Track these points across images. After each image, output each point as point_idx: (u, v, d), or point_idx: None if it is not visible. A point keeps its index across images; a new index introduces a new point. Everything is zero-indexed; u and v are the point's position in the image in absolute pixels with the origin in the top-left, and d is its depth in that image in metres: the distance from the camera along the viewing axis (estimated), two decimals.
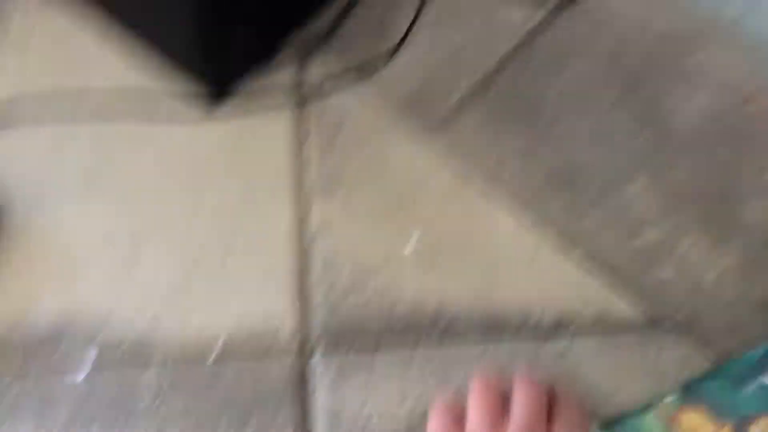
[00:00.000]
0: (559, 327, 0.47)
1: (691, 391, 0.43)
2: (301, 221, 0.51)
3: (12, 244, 0.50)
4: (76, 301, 0.48)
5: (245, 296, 0.49)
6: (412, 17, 0.59)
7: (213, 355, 0.46)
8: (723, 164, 0.53)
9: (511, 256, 0.50)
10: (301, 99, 0.56)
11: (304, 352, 0.47)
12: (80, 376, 0.45)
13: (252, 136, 0.55)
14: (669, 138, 0.54)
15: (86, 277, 0.49)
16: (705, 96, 0.56)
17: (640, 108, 0.56)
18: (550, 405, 0.41)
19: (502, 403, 0.41)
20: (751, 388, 0.42)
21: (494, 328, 0.47)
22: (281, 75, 0.57)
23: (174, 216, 0.52)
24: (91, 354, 0.46)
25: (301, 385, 0.46)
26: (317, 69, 0.58)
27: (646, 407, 0.43)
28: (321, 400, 0.45)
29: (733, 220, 0.50)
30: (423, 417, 0.44)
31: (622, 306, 0.48)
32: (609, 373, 0.46)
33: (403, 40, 0.58)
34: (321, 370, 0.46)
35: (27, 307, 0.48)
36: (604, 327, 0.47)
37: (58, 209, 0.51)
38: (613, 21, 0.60)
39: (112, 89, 0.56)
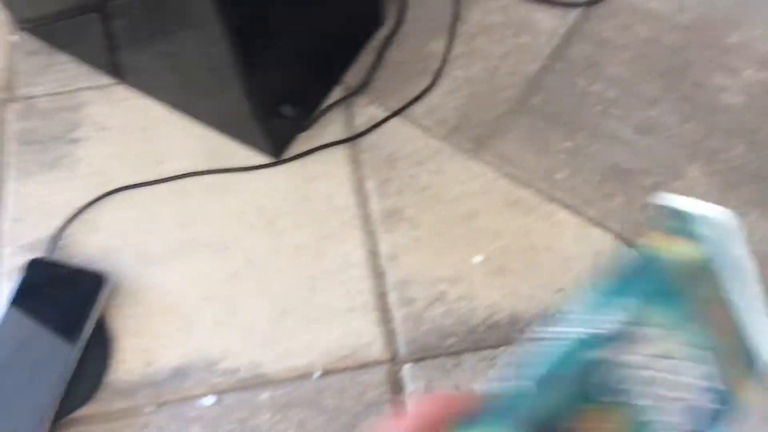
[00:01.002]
0: None
1: None
2: (373, 249, 0.56)
3: (128, 305, 0.56)
4: (192, 345, 0.53)
5: (336, 321, 0.53)
6: (445, 46, 0.63)
7: (316, 375, 0.51)
8: None
9: (576, 253, 0.52)
10: (355, 137, 0.61)
11: (395, 363, 0.51)
12: (208, 403, 0.51)
13: (315, 178, 0.60)
14: (717, 121, 0.56)
15: (195, 324, 0.55)
16: (749, 73, 0.57)
17: (684, 96, 0.57)
18: None
19: None
20: None
21: None
22: (333, 119, 0.62)
23: (259, 259, 0.57)
24: (214, 383, 0.51)
25: (397, 392, 0.50)
26: (363, 107, 0.62)
27: None
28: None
29: None
30: None
31: None
32: None
33: (441, 68, 0.62)
34: (413, 378, 0.50)
35: (151, 358, 0.54)
36: None
37: (158, 270, 0.57)
38: (644, 15, 0.62)
39: (187, 152, 0.62)
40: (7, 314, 0.56)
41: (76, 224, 0.60)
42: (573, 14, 0.63)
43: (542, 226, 0.54)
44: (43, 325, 0.55)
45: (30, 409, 0.51)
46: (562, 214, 0.54)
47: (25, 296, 0.56)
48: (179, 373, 0.53)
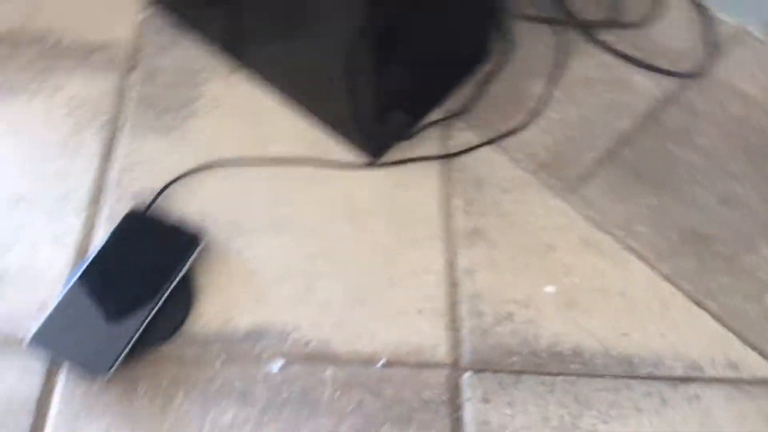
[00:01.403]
0: (691, 372, 0.52)
1: None
2: (450, 263, 0.59)
3: (213, 268, 0.60)
4: (268, 313, 0.57)
5: (406, 318, 0.56)
6: (545, 89, 0.67)
7: (380, 363, 0.54)
8: None
9: (645, 303, 0.55)
10: (448, 156, 0.65)
11: (455, 373, 0.54)
12: (275, 368, 0.54)
13: (406, 185, 0.64)
14: None
15: (274, 295, 0.58)
16: None
17: (767, 177, 0.60)
18: None
19: None
20: None
21: (630, 367, 0.52)
22: (430, 136, 0.66)
23: (341, 249, 0.60)
24: (283, 353, 0.55)
25: (454, 399, 0.52)
26: (462, 130, 0.66)
27: None
28: (472, 411, 0.51)
29: None
30: None
31: (753, 359, 0.52)
32: (737, 420, 0.50)
33: (537, 108, 0.66)
34: (471, 389, 0.52)
35: (227, 317, 0.57)
36: (737, 377, 0.51)
37: (247, 241, 0.61)
38: (739, 95, 0.65)
39: (291, 141, 0.66)
40: (103, 250, 0.60)
41: (177, 186, 0.65)
42: (671, 82, 0.67)
43: (615, 271, 0.57)
44: (134, 266, 0.59)
45: (111, 337, 0.55)
46: (636, 264, 0.57)
47: (122, 239, 0.61)
48: (252, 336, 0.56)
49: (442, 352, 0.55)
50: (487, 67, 0.69)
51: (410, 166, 0.64)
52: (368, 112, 0.61)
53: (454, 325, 0.56)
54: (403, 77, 0.60)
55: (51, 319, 0.56)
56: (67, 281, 0.59)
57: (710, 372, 0.51)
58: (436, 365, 0.54)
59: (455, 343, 0.55)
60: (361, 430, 0.52)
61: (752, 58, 0.68)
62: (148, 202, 0.63)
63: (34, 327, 0.56)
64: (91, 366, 0.54)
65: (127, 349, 0.55)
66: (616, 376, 0.52)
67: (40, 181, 0.65)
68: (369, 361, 0.54)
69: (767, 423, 0.49)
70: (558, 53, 0.69)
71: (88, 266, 0.59)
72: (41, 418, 0.53)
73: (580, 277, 0.57)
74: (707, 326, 0.53)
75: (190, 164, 0.65)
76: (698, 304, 0.55)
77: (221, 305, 0.58)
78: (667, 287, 0.56)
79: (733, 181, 0.61)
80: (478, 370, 0.54)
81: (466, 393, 0.52)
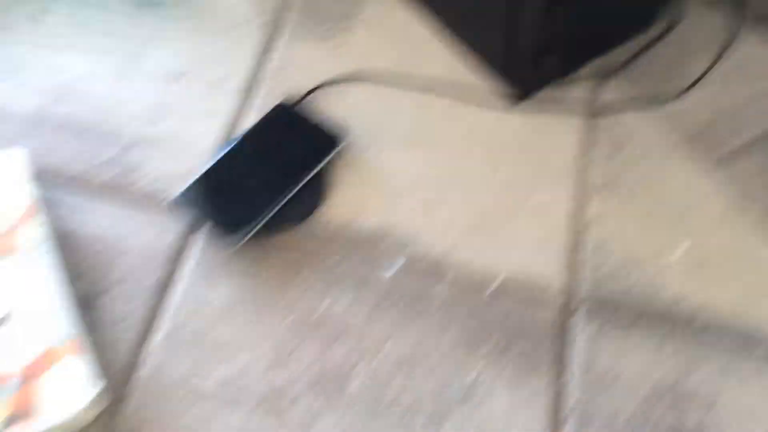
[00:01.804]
0: None
1: None
2: (580, 208, 0.59)
3: (347, 169, 0.63)
4: (393, 219, 0.59)
5: (524, 251, 0.57)
6: (707, 64, 0.66)
7: (491, 289, 0.55)
8: None
9: None
10: (594, 111, 0.65)
11: (567, 309, 0.54)
12: (389, 273, 0.56)
13: (545, 132, 0.64)
14: None
15: (401, 204, 0.60)
16: None
17: None
18: None
19: None
20: None
21: (747, 342, 0.51)
22: (578, 89, 0.66)
23: (472, 177, 0.62)
24: (400, 259, 0.57)
25: (561, 334, 0.53)
26: (612, 89, 0.66)
27: None
28: (577, 350, 0.52)
29: None
30: (668, 391, 0.49)
31: None
32: None
33: (697, 80, 0.65)
34: (581, 327, 0.53)
35: (354, 215, 0.60)
36: None
37: (383, 152, 0.64)
38: None
39: (439, 70, 0.68)
40: (250, 133, 0.64)
41: (326, 90, 0.68)
42: None
43: (753, 245, 0.55)
44: (275, 152, 0.62)
45: (247, 210, 0.59)
46: None
47: (269, 127, 0.64)
48: (374, 237, 0.58)
49: (556, 288, 0.55)
50: (651, 33, 0.68)
51: (553, 115, 0.65)
52: (524, 51, 0.61)
53: (574, 265, 0.56)
54: (567, 23, 0.60)
55: (196, 184, 0.61)
56: (214, 154, 0.63)
57: None
58: (548, 300, 0.55)
59: (572, 283, 0.55)
60: (462, 343, 0.53)
61: None
62: (296, 99, 0.67)
63: (178, 190, 0.60)
64: (226, 232, 0.58)
65: (260, 224, 0.58)
66: (734, 344, 0.51)
67: (201, 63, 0.70)
68: (481, 283, 0.56)
69: None
70: (727, 33, 0.67)
71: (235, 144, 0.63)
72: (171, 273, 0.58)
73: (715, 243, 0.56)
74: None
75: (340, 73, 0.68)
76: None
77: (350, 204, 0.61)
78: None
79: None
80: (591, 311, 0.54)
81: (573, 332, 0.53)
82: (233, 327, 0.55)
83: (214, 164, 0.62)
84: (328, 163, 0.62)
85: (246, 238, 0.57)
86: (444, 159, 0.63)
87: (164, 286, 0.57)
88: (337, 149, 0.62)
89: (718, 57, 0.66)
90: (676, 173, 0.60)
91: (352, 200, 0.61)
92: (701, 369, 0.50)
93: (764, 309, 0.52)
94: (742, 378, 0.50)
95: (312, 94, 0.67)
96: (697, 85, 0.65)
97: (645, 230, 0.57)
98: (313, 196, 0.61)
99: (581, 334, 0.52)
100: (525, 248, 0.57)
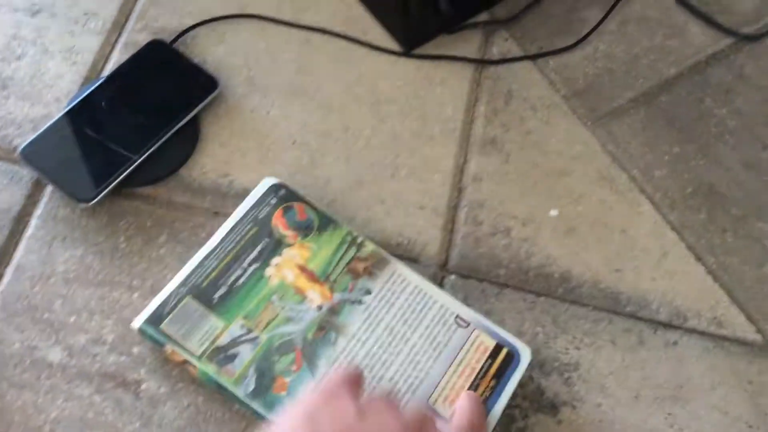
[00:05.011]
0: (675, 320, 0.51)
1: None
2: (461, 166, 0.58)
3: (224, 117, 0.59)
4: (270, 174, 0.55)
5: (403, 211, 0.55)
6: (599, 17, 0.64)
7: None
8: None
9: (645, 246, 0.54)
10: (485, 63, 0.62)
11: (443, 269, 0.53)
12: None
13: (435, 83, 0.62)
14: None
15: (280, 157, 0.57)
16: None
17: None
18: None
19: None
20: None
21: (614, 303, 0.52)
22: (471, 39, 0.64)
23: (358, 129, 0.59)
24: None
25: None
26: (502, 42, 0.64)
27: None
28: None
29: None
30: (534, 353, 0.49)
31: (739, 319, 0.52)
32: (708, 373, 0.50)
33: (587, 35, 0.64)
34: (454, 288, 0.52)
35: (228, 169, 0.56)
36: (718, 333, 0.51)
37: (264, 98, 0.60)
38: None
39: (329, 13, 0.64)
40: (116, 74, 0.58)
41: (205, 30, 0.62)
42: (726, 40, 0.64)
43: (624, 210, 0.56)
44: (143, 97, 0.57)
45: (103, 165, 0.54)
46: (646, 207, 0.56)
47: (139, 67, 0.59)
48: (246, 194, 0.55)
49: (431, 250, 0.54)
50: None
51: (444, 63, 0.62)
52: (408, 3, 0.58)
53: (450, 227, 0.55)
54: None
55: (46, 134, 0.55)
56: (72, 99, 0.57)
57: (693, 323, 0.51)
58: (423, 263, 0.53)
59: (447, 245, 0.54)
60: None
61: None
62: (171, 38, 0.61)
63: (27, 139, 0.54)
64: (77, 190, 0.53)
65: (117, 181, 0.53)
66: (599, 308, 0.52)
67: None
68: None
69: (737, 380, 0.49)
70: None
71: (96, 88, 0.57)
72: (17, 233, 0.53)
73: (587, 207, 0.56)
74: (701, 280, 0.53)
75: (221, 11, 0.63)
76: (697, 257, 0.54)
77: (223, 158, 0.57)
78: (670, 235, 0.55)
79: (760, 148, 0.59)
80: (463, 276, 0.53)
81: (450, 292, 0.52)
82: (80, 297, 0.51)
83: (70, 109, 0.56)
84: (203, 109, 0.58)
85: (101, 195, 0.53)
86: (328, 109, 0.60)
87: (5, 248, 0.52)
88: (213, 94, 0.58)
89: (608, 12, 0.65)
90: (557, 132, 0.59)
91: (225, 154, 0.57)
92: (568, 332, 0.51)
93: (629, 274, 0.53)
94: (608, 339, 0.51)
95: (189, 33, 0.62)
96: (587, 40, 0.64)
97: (520, 193, 0.56)
98: (182, 148, 0.57)
99: (455, 294, 0.52)
100: (405, 208, 0.56)
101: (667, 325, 0.51)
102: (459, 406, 0.44)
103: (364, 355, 0.46)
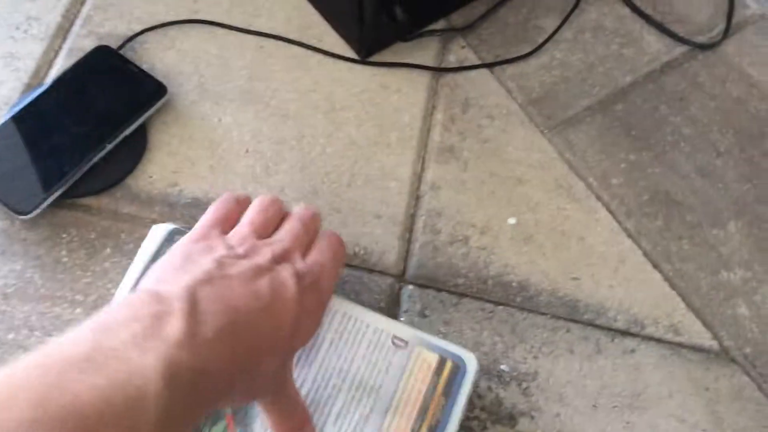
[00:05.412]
0: (633, 327, 0.51)
1: None
2: (419, 174, 0.57)
3: (174, 124, 0.57)
4: (222, 184, 0.54)
5: (360, 220, 0.54)
6: (555, 26, 0.65)
7: None
8: None
9: (602, 254, 0.54)
10: (442, 70, 0.62)
11: (401, 280, 0.52)
12: None
13: (391, 90, 0.61)
14: None
15: (233, 166, 0.55)
16: None
17: (750, 160, 0.59)
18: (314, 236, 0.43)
19: (276, 222, 0.42)
20: None
21: (572, 311, 0.52)
22: (428, 45, 0.63)
23: (312, 137, 0.58)
24: None
25: (393, 306, 0.51)
26: (458, 49, 0.63)
27: None
28: (407, 322, 0.50)
29: None
30: (493, 363, 0.48)
31: (695, 326, 0.52)
32: (666, 381, 0.49)
33: (543, 43, 0.64)
34: (412, 299, 0.51)
35: (176, 180, 0.54)
36: (675, 340, 0.51)
37: (217, 105, 0.58)
38: (742, 76, 0.64)
39: (284, 18, 0.63)
40: (60, 80, 0.56)
41: (154, 35, 0.61)
42: (680, 49, 0.65)
43: (581, 217, 0.55)
44: (88, 104, 0.55)
45: (44, 175, 0.52)
46: (603, 215, 0.56)
47: (84, 73, 0.57)
48: (197, 205, 0.54)
49: (389, 260, 0.53)
50: None
51: (400, 70, 0.61)
52: (369, 2, 0.57)
53: (407, 236, 0.54)
54: None
55: None
56: (13, 107, 0.55)
57: (650, 330, 0.51)
58: (380, 272, 0.52)
59: (405, 254, 0.53)
60: None
61: (766, 46, 0.66)
62: (118, 44, 0.59)
63: None
64: (16, 202, 0.50)
65: (59, 192, 0.51)
66: (556, 317, 0.51)
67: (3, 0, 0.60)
68: None
69: (694, 387, 0.49)
70: None
71: (38, 95, 0.55)
72: None
73: (545, 215, 0.55)
74: (658, 287, 0.53)
75: (171, 16, 0.61)
76: (654, 264, 0.54)
77: (171, 167, 0.55)
78: (627, 242, 0.54)
79: (715, 156, 0.59)
80: (421, 285, 0.52)
81: (405, 305, 0.51)
82: (19, 313, 0.48)
83: (10, 117, 0.54)
84: (151, 116, 0.56)
85: (42, 207, 0.50)
86: (281, 117, 0.58)
87: None
88: (161, 101, 0.56)
89: (564, 21, 0.65)
90: (514, 140, 0.59)
91: (173, 163, 0.55)
92: (527, 341, 0.50)
93: (586, 282, 0.53)
94: (566, 347, 0.50)
95: (137, 38, 0.60)
96: (543, 48, 0.64)
97: (478, 201, 0.56)
98: (129, 157, 0.55)
99: (410, 309, 0.51)
100: (362, 217, 0.54)
101: (625, 333, 0.51)
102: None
103: (303, 398, 0.43)
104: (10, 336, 0.48)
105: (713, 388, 0.49)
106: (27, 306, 0.49)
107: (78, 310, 0.49)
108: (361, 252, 0.53)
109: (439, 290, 0.52)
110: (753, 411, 0.49)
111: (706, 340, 0.51)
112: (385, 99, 0.60)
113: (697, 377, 0.49)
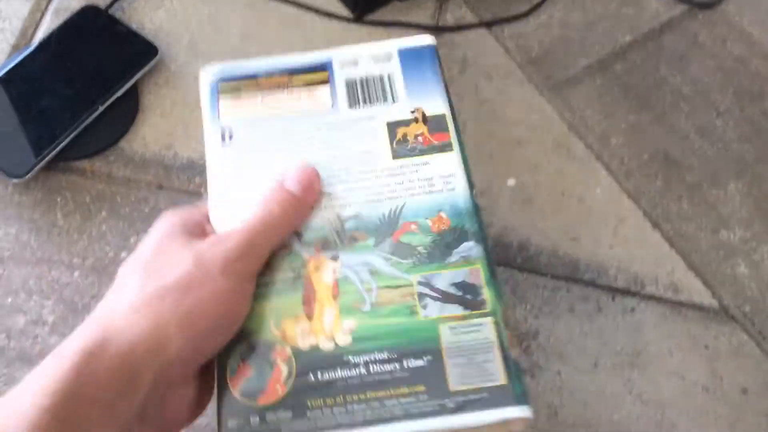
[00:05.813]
0: (633, 286, 0.51)
1: None
2: None
3: (165, 88, 0.55)
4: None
5: None
6: None
7: None
8: None
9: (602, 213, 0.54)
10: (436, 31, 0.61)
11: None
12: None
13: None
14: None
15: None
16: None
17: (750, 119, 0.59)
18: None
19: None
20: None
21: (573, 271, 0.51)
22: (423, 5, 0.62)
23: None
24: None
25: None
26: (456, 9, 0.62)
27: None
28: None
29: None
30: None
31: (695, 285, 0.52)
32: (666, 339, 0.49)
33: (542, 2, 0.63)
34: None
35: (170, 142, 0.53)
36: (675, 299, 0.51)
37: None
38: (743, 36, 0.63)
39: None
40: (48, 41, 0.54)
41: None
42: (680, 8, 0.64)
43: (580, 178, 0.55)
44: (78, 65, 0.54)
45: (37, 137, 0.51)
46: (603, 175, 0.55)
47: (73, 33, 0.55)
48: (192, 166, 0.53)
49: None
50: None
51: (396, 30, 0.60)
52: None
53: None
54: None
55: None
56: (0, 68, 0.53)
57: (650, 289, 0.51)
58: None
59: None
60: None
61: (767, 4, 0.65)
62: (107, 4, 0.57)
63: None
64: (9, 165, 0.49)
65: (52, 154, 0.50)
66: (557, 277, 0.51)
67: None
68: None
69: (693, 345, 0.49)
70: None
71: (26, 56, 0.54)
72: None
73: (545, 176, 0.55)
74: (658, 247, 0.53)
75: None
76: (653, 224, 0.54)
77: (165, 129, 0.54)
78: (627, 203, 0.54)
79: (715, 116, 0.59)
80: None
81: None
82: (16, 277, 0.48)
83: None
84: (142, 78, 0.55)
85: (35, 169, 0.49)
86: None
87: None
88: (152, 62, 0.55)
89: None
90: (513, 100, 0.58)
91: (167, 125, 0.54)
92: (527, 301, 0.50)
93: (586, 242, 0.53)
94: (567, 307, 0.50)
95: None
96: (542, 7, 0.63)
97: (477, 163, 0.55)
98: (121, 118, 0.54)
99: None
100: None
101: (625, 292, 0.51)
102: None
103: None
104: (9, 300, 0.47)
105: (713, 346, 0.50)
106: (24, 269, 0.48)
107: (76, 274, 0.48)
108: None
109: None
110: (752, 368, 0.49)
111: (705, 298, 0.51)
112: None
113: (696, 335, 0.50)
